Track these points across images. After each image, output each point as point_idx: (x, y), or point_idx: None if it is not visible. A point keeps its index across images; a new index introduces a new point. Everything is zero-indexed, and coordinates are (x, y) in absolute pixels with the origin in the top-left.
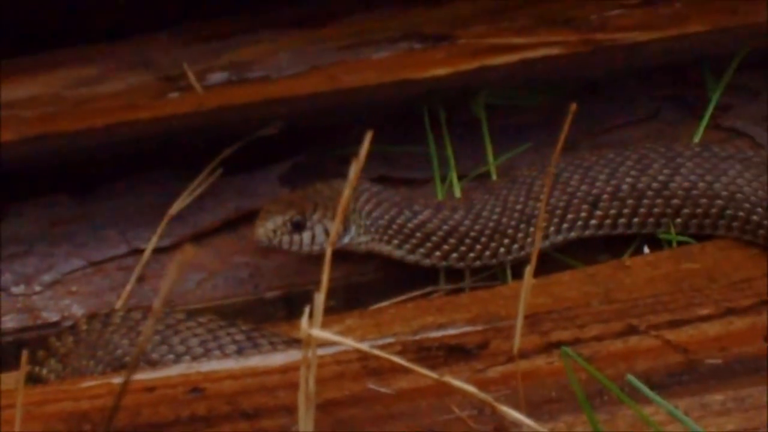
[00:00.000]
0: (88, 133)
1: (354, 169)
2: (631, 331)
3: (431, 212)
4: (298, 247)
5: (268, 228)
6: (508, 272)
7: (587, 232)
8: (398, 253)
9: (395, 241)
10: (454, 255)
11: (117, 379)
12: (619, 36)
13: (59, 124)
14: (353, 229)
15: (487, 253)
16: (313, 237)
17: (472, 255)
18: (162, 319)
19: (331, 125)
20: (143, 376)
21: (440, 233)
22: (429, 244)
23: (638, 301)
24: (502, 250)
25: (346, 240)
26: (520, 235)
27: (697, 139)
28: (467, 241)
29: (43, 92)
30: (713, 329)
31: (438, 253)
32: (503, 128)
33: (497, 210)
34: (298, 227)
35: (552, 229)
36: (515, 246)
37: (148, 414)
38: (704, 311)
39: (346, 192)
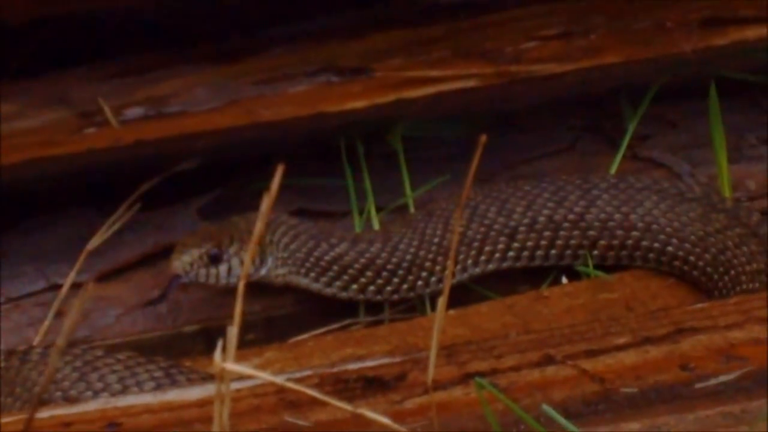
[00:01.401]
0: (5, 170)
1: (266, 202)
2: (548, 361)
3: (348, 245)
4: (214, 280)
5: (185, 261)
6: (427, 304)
7: (505, 264)
8: (315, 286)
9: (312, 274)
10: (372, 288)
11: (35, 415)
12: (534, 68)
13: None
14: (270, 261)
15: (405, 286)
16: (229, 270)
17: (389, 288)
18: (80, 356)
19: (250, 159)
20: (60, 411)
21: (357, 266)
22: (346, 277)
23: (555, 331)
24: (419, 282)
25: (263, 272)
26: (437, 267)
27: (614, 170)
28: (384, 274)
29: None
30: (629, 358)
31: (355, 286)
32: (421, 161)
33: (414, 243)
34: (214, 260)
35: (470, 261)
36: (433, 278)
37: None
38: (621, 340)
39: (259, 225)
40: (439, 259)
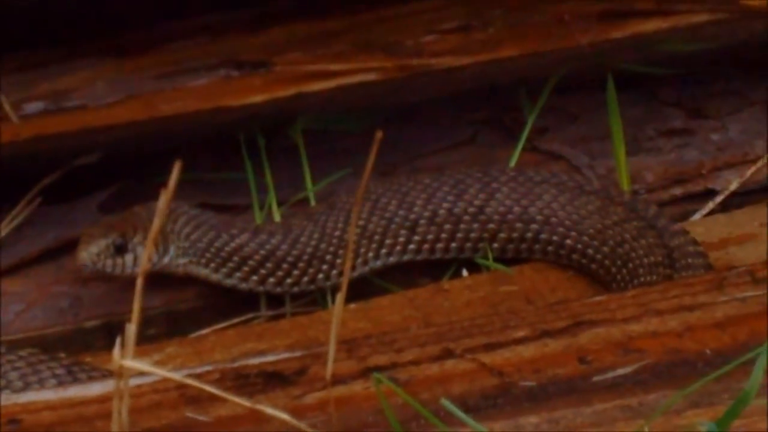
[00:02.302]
0: None
1: (163, 198)
2: (448, 354)
3: (248, 236)
4: (120, 270)
5: (92, 252)
6: (329, 297)
7: (405, 257)
8: (215, 277)
9: (212, 265)
10: (272, 280)
11: None
12: (434, 61)
13: None
14: (172, 251)
15: (305, 278)
16: (135, 259)
17: (289, 280)
18: None
19: (151, 153)
20: None
21: (257, 257)
22: (246, 269)
23: (455, 325)
24: (320, 275)
25: (165, 261)
26: (338, 260)
27: (513, 163)
28: (284, 266)
29: None
30: (528, 351)
31: (255, 278)
32: (323, 154)
33: (315, 236)
34: (120, 250)
35: (370, 254)
36: (334, 271)
37: None
38: (520, 333)
39: (156, 222)
40: (340, 252)
